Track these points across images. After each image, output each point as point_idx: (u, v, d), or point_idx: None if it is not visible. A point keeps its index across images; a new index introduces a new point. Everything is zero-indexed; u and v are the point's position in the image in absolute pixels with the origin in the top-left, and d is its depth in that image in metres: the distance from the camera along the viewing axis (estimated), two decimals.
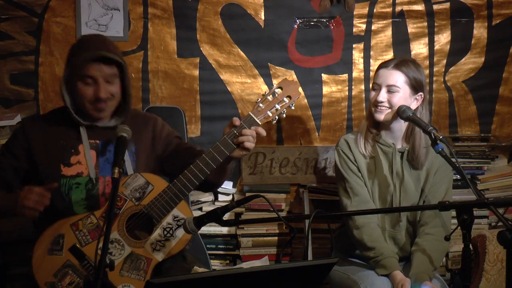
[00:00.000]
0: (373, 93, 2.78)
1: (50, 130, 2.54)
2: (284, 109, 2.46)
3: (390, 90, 2.72)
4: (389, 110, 2.73)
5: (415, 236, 2.81)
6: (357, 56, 3.59)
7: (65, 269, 2.33)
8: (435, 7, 3.59)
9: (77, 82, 2.47)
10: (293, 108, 2.48)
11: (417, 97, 2.76)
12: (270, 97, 2.45)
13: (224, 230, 3.43)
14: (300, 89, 2.49)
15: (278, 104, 2.45)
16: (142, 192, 2.43)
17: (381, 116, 2.74)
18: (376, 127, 2.82)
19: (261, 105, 2.44)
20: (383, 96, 2.72)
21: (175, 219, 2.43)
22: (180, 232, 2.41)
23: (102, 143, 2.53)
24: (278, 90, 2.46)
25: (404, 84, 2.71)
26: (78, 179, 2.49)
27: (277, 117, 2.46)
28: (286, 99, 2.46)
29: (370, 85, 3.58)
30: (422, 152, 2.75)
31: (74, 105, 2.51)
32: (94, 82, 2.46)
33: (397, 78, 2.71)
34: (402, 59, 2.78)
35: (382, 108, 2.73)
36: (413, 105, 2.75)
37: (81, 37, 2.64)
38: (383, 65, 2.78)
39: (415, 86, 2.74)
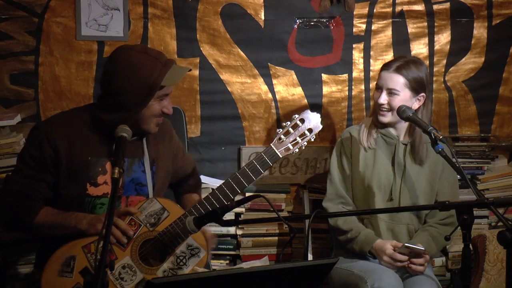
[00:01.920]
0: (376, 94, 2.83)
1: (76, 142, 2.40)
2: (305, 142, 2.45)
3: (390, 93, 2.78)
4: (390, 113, 2.80)
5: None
6: (357, 56, 3.59)
7: None
8: (435, 7, 3.59)
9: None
10: (313, 140, 2.48)
11: (419, 98, 2.81)
12: (291, 129, 2.44)
13: (224, 230, 3.43)
14: (320, 121, 2.48)
15: (299, 137, 2.45)
16: (157, 218, 2.38)
17: (385, 119, 2.82)
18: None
19: (282, 136, 2.43)
20: (383, 98, 2.78)
21: (189, 248, 2.40)
22: (193, 261, 2.39)
23: (127, 161, 2.46)
24: (299, 122, 2.45)
25: (403, 87, 2.76)
26: (103, 200, 2.42)
27: (297, 149, 2.45)
28: (307, 132, 2.45)
29: (371, 84, 3.59)
30: (422, 149, 2.82)
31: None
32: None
33: (397, 82, 2.76)
34: (403, 60, 2.81)
35: (383, 110, 2.81)
36: (415, 105, 2.80)
37: None
38: (385, 67, 2.82)
39: (416, 88, 2.78)
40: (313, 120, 2.46)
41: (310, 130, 2.46)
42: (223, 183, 2.41)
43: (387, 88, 2.77)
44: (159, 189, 2.55)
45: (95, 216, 2.34)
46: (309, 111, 2.49)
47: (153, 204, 2.39)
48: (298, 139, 2.44)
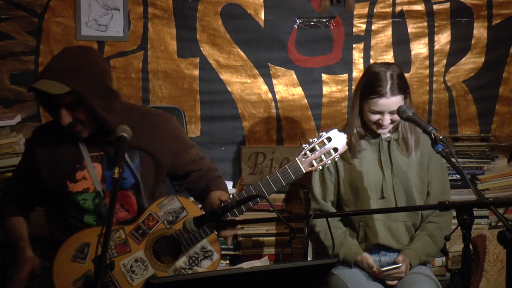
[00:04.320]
0: (375, 116, 2.72)
1: (55, 145, 2.46)
2: (329, 160, 2.44)
3: (392, 112, 2.70)
4: (392, 125, 2.76)
5: (414, 232, 2.87)
6: (357, 56, 3.59)
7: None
8: (435, 7, 3.59)
9: None
10: (336, 160, 2.47)
11: (407, 96, 2.76)
12: (317, 146, 2.43)
13: None
14: (346, 142, 2.49)
15: (324, 155, 2.43)
16: (175, 216, 2.42)
17: (385, 131, 2.78)
18: (364, 125, 2.83)
19: (308, 152, 2.42)
20: (387, 120, 2.72)
21: (202, 250, 2.42)
22: (205, 264, 2.41)
23: (106, 156, 2.45)
24: (326, 140, 2.44)
25: (402, 101, 2.71)
26: (84, 195, 2.44)
27: (320, 167, 2.45)
28: (332, 151, 2.44)
29: None
30: (411, 138, 2.80)
31: None
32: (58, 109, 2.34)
33: (397, 102, 2.68)
34: (388, 76, 2.68)
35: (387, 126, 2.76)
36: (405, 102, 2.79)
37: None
38: (380, 95, 2.68)
39: (406, 90, 2.74)
40: (340, 139, 2.45)
41: (335, 150, 2.45)
42: (244, 192, 2.41)
43: (390, 111, 2.70)
44: (146, 183, 2.50)
45: (24, 259, 2.45)
46: (336, 130, 2.48)
47: (173, 202, 2.44)
48: (323, 157, 2.43)
